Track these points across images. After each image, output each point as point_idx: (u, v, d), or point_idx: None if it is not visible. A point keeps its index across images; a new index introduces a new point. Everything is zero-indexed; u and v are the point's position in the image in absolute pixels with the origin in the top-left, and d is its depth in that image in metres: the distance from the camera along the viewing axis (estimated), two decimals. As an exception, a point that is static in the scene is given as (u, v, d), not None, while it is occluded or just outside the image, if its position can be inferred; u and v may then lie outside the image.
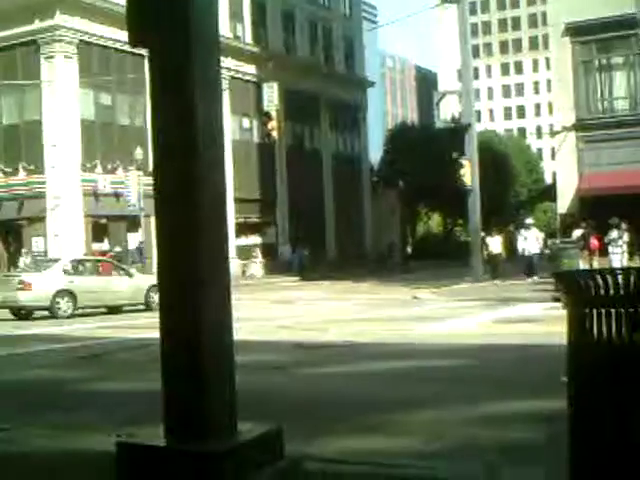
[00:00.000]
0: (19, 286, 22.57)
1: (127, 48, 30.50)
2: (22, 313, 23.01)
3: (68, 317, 22.17)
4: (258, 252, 48.52)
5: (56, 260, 26.10)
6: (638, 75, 30.56)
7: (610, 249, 25.42)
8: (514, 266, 34.49)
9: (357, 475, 5.58)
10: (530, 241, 29.49)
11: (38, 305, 22.68)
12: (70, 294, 22.81)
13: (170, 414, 5.80)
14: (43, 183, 39.06)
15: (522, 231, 30.86)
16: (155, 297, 21.39)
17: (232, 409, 5.88)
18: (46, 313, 22.70)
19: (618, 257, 25.00)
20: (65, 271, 23.94)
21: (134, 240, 40.71)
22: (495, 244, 32.06)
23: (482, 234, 33.37)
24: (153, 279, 21.54)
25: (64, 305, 22.70)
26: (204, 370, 5.78)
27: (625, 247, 25.51)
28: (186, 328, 5.81)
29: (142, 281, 24.50)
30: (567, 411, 4.48)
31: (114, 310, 23.89)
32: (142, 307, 23.80)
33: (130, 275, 25.13)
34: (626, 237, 25.65)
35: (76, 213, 38.95)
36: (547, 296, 21.33)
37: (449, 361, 11.78)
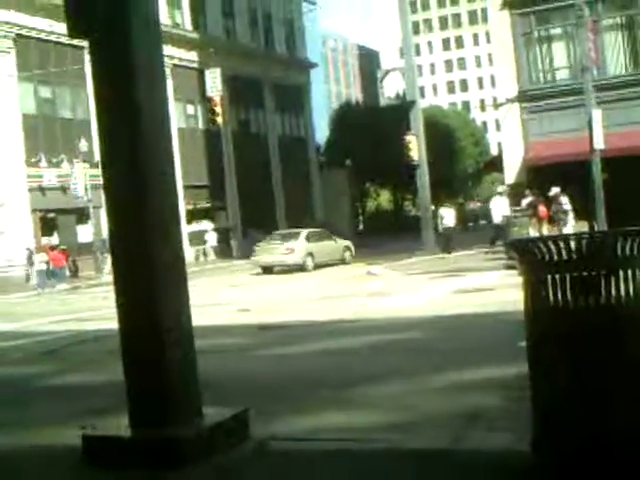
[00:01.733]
0: (286, 251, 31.26)
1: (67, 40, 30.03)
2: (274, 270, 31.82)
3: (312, 270, 30.81)
4: (212, 236, 48.34)
5: (298, 233, 34.00)
6: (577, 45, 30.91)
7: (557, 216, 25.83)
8: (468, 237, 34.74)
9: (325, 452, 5.62)
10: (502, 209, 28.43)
11: (296, 264, 31.23)
12: (311, 255, 31.58)
13: (134, 404, 5.79)
14: (-14, 180, 38.35)
15: (495, 199, 29.82)
16: (346, 254, 33.70)
17: (196, 394, 5.89)
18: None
19: (567, 224, 25.40)
20: (306, 239, 32.42)
21: (84, 233, 40.27)
22: (449, 217, 32.16)
23: (433, 207, 33.18)
24: (347, 242, 34.71)
25: (309, 262, 31.35)
26: (165, 357, 5.77)
27: (569, 215, 25.88)
28: (144, 317, 5.80)
29: (341, 244, 34.21)
30: (528, 374, 4.60)
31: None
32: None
33: (335, 241, 33.98)
34: (567, 205, 26.03)
35: (23, 209, 38.35)
36: (500, 265, 21.61)
37: (408, 334, 11.89)
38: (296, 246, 31.76)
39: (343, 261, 32.92)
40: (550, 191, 26.61)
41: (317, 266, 31.35)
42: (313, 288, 22.91)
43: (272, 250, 31.98)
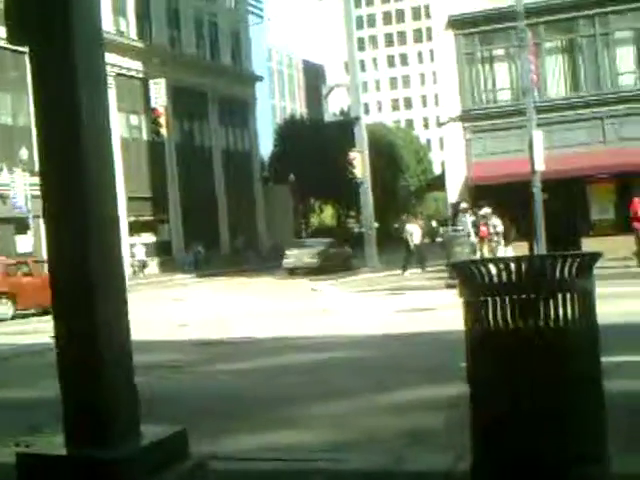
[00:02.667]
0: (310, 256, 36.28)
1: (7, 45, 29.42)
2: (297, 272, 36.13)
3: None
4: (140, 250, 46.39)
5: (319, 242, 41.10)
6: (519, 66, 31.40)
7: (491, 237, 26.04)
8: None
9: (264, 472, 5.58)
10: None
11: (315, 267, 35.80)
12: (327, 259, 36.97)
13: (70, 421, 5.67)
14: None
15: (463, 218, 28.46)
16: (351, 261, 38.10)
17: (133, 413, 5.79)
18: None
19: (500, 246, 25.60)
20: (325, 246, 38.88)
21: (24, 243, 39.49)
22: (417, 233, 30.90)
23: (398, 224, 32.84)
24: (349, 251, 40.35)
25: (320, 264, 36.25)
26: (102, 375, 5.66)
27: (500, 236, 25.99)
28: (81, 333, 5.68)
29: (346, 252, 40.13)
30: (468, 393, 4.62)
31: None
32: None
33: (344, 249, 40.32)
34: (499, 227, 26.16)
35: (-41, 218, 37.58)
36: (441, 284, 21.76)
37: (351, 352, 11.89)
38: (318, 252, 37.27)
39: (348, 267, 36.26)
40: (480, 210, 26.88)
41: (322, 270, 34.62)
42: (255, 303, 22.78)
43: (299, 255, 37.30)
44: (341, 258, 38.01)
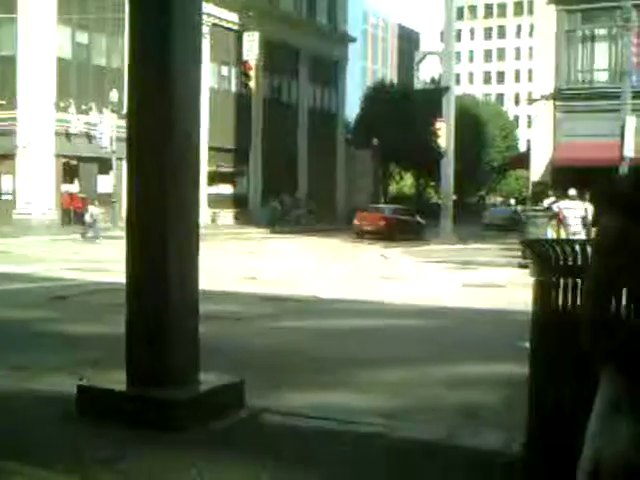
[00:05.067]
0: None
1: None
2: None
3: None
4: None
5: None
6: (620, 48, 30.50)
7: (571, 221, 25.29)
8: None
9: (313, 430, 5.62)
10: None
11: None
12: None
13: (133, 360, 5.79)
14: (14, 120, 38.43)
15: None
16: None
17: (194, 360, 5.89)
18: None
19: (578, 228, 24.79)
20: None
21: (105, 183, 40.29)
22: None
23: (551, 200, 26.33)
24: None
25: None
26: (168, 317, 5.77)
27: (579, 220, 24.94)
28: (152, 276, 5.78)
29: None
30: (528, 376, 4.56)
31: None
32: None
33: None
34: (583, 210, 25.01)
35: (47, 152, 38.41)
36: (514, 262, 21.47)
37: (416, 321, 11.85)
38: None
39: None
40: (569, 191, 26.07)
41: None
42: (325, 264, 22.85)
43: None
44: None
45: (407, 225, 37.51)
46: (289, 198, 49.92)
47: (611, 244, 2.36)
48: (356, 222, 37.52)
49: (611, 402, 2.36)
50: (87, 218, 32.08)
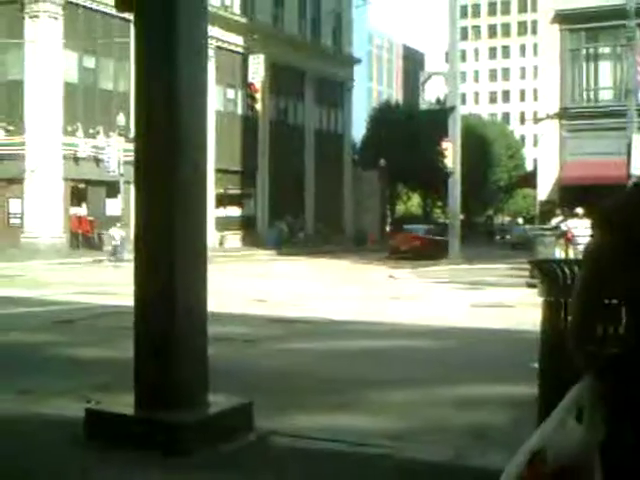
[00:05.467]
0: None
1: (114, 11, 29.86)
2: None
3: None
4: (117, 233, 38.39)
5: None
6: (624, 66, 30.57)
7: (579, 240, 25.19)
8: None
9: (321, 452, 5.60)
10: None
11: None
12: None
13: (141, 384, 5.78)
14: (22, 144, 38.64)
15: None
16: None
17: (203, 382, 5.88)
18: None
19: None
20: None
21: (113, 206, 40.42)
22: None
23: (558, 219, 26.38)
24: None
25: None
26: (177, 342, 5.76)
27: (587, 239, 24.82)
28: (160, 299, 5.78)
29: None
30: (538, 397, 4.53)
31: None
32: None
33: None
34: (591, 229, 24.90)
35: (55, 176, 38.57)
36: (521, 282, 21.39)
37: (424, 342, 11.81)
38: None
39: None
40: (577, 210, 26.04)
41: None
42: (333, 286, 22.83)
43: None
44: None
45: (438, 244, 37.83)
46: (293, 220, 50.04)
47: (592, 258, 2.36)
48: (392, 242, 40.22)
49: (577, 404, 2.35)
50: (112, 242, 32.37)
